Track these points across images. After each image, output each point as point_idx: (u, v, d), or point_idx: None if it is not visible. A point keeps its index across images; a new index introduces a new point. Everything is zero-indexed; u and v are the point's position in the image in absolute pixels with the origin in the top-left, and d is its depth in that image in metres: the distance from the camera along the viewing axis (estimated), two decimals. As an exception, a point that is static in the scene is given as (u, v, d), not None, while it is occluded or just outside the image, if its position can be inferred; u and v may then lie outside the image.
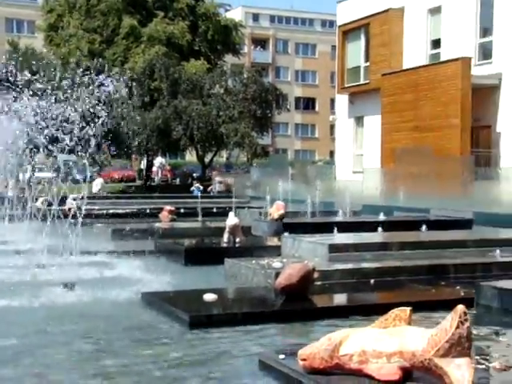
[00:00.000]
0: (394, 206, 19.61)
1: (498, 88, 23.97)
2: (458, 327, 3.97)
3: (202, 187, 29.07)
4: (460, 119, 23.46)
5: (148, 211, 20.32)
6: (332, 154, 44.72)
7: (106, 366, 5.02)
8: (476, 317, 6.74)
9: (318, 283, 7.84)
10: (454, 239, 11.37)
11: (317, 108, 76.68)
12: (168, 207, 17.19)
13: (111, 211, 19.70)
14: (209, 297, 6.92)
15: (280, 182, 27.79)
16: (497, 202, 17.35)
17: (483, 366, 4.61)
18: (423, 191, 19.66)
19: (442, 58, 26.01)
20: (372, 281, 8.45)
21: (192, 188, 33.21)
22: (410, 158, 22.13)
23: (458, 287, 8.09)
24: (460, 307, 4.02)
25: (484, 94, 23.96)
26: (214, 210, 20.77)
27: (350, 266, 8.99)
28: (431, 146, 23.29)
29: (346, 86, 31.70)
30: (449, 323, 4.01)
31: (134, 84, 35.25)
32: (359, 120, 31.38)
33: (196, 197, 23.19)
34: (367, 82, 29.96)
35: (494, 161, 23.78)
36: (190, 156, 48.24)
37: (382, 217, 16.53)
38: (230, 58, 45.71)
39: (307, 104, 76.95)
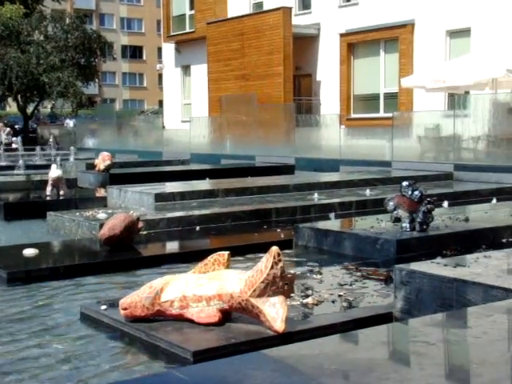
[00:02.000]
0: (221, 154, 19.97)
1: (317, 37, 24.86)
2: (272, 267, 4.14)
3: None
4: (283, 68, 24.12)
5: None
6: (161, 103, 44.32)
7: None
8: (294, 257, 7.11)
9: (144, 233, 7.87)
10: (276, 184, 11.84)
11: (144, 57, 75.26)
12: (-15, 161, 16.25)
13: None
14: (29, 252, 6.70)
15: (107, 132, 27.28)
16: (317, 148, 18.20)
17: (298, 303, 4.87)
18: (249, 139, 20.14)
19: (265, 8, 26.44)
20: (198, 228, 8.61)
21: None
22: (235, 106, 22.49)
23: (278, 230, 8.45)
24: (274, 248, 4.19)
25: (305, 44, 24.76)
26: (37, 163, 19.99)
27: (176, 214, 9.08)
28: (257, 94, 23.79)
29: (172, 34, 31.37)
30: (264, 264, 4.18)
31: None
32: (186, 69, 31.28)
33: (16, 149, 22.07)
34: (193, 30, 29.82)
35: (315, 108, 24.81)
36: (10, 107, 45.71)
37: (209, 165, 16.81)
38: (49, 3, 43.39)
39: (134, 52, 75.27)
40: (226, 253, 4.46)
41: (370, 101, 23.53)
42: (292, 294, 5.11)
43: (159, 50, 39.74)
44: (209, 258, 4.48)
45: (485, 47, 18.02)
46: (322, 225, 7.87)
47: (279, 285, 4.17)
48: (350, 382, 2.54)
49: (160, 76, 44.59)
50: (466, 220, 7.77)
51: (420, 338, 3.09)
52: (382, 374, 2.57)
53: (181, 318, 4.28)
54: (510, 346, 2.98)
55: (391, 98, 22.52)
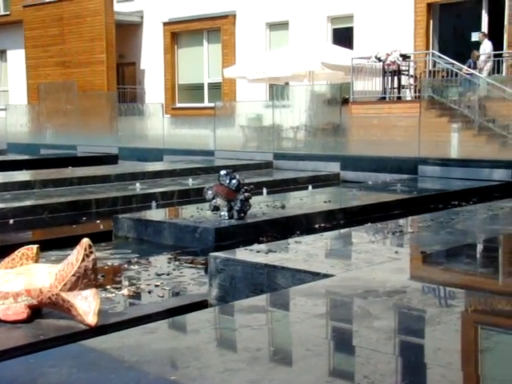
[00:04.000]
0: (41, 144, 19.21)
1: (141, 25, 24.57)
2: (83, 260, 4.03)
3: None
4: (105, 55, 23.58)
5: None
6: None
7: None
8: (113, 248, 7.00)
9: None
10: (98, 175, 11.60)
11: (-44, 39, 70.35)
12: None
13: None
14: None
15: None
16: (140, 138, 18.04)
17: (113, 295, 4.80)
18: (70, 128, 19.53)
19: (86, -8, 25.61)
20: (11, 221, 8.21)
21: None
22: (55, 94, 21.69)
23: (98, 221, 8.27)
24: (85, 240, 4.08)
25: (128, 31, 24.37)
26: None
27: (-14, 207, 8.59)
28: (79, 82, 23.09)
29: (-15, 16, 29.56)
30: (75, 257, 4.06)
31: None
32: (2, 54, 29.65)
33: None
34: (8, 13, 28.32)
35: (139, 97, 24.53)
36: None
37: (27, 155, 16.09)
38: None
39: None
40: (35, 246, 4.29)
41: (195, 90, 23.67)
42: (108, 286, 5.04)
43: (-28, 32, 37.33)
44: (16, 252, 4.28)
45: (301, 40, 18.75)
46: (141, 215, 7.81)
47: (91, 277, 4.07)
48: (150, 373, 2.53)
49: (-26, 61, 41.93)
50: (283, 207, 8.07)
51: (224, 325, 3.15)
52: (183, 362, 2.58)
53: (-15, 318, 4.05)
54: (305, 328, 3.13)
55: (215, 87, 22.80)
